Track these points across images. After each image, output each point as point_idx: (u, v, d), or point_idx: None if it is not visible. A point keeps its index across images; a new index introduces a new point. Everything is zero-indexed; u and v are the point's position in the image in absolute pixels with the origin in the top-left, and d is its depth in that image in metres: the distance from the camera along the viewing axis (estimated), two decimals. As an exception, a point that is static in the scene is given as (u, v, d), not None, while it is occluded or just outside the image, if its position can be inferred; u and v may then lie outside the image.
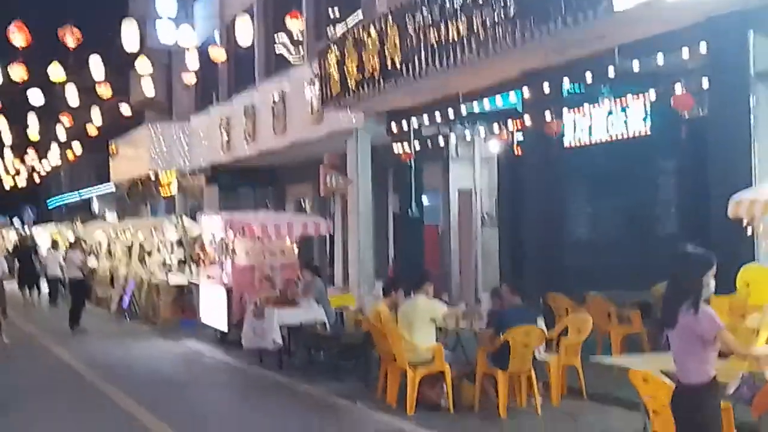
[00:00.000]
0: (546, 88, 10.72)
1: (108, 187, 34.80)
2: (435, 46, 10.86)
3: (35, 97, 20.06)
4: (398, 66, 11.65)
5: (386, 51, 11.83)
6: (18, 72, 16.79)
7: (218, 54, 18.32)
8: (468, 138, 15.74)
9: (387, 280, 8.67)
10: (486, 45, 9.95)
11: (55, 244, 22.10)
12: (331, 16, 16.86)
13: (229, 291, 12.35)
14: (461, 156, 16.53)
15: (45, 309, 20.69)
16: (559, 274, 10.93)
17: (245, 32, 13.72)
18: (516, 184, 14.56)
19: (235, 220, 12.30)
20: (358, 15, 15.17)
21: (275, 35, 20.42)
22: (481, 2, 9.73)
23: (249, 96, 20.79)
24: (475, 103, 12.59)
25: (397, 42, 11.52)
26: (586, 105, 11.89)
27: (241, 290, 12.23)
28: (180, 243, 15.61)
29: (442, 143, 15.51)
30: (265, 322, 10.51)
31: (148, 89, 20.12)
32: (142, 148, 26.49)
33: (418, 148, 14.39)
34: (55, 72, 17.31)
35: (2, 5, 14.98)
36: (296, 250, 12.78)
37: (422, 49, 11.14)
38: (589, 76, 10.14)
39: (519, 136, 12.79)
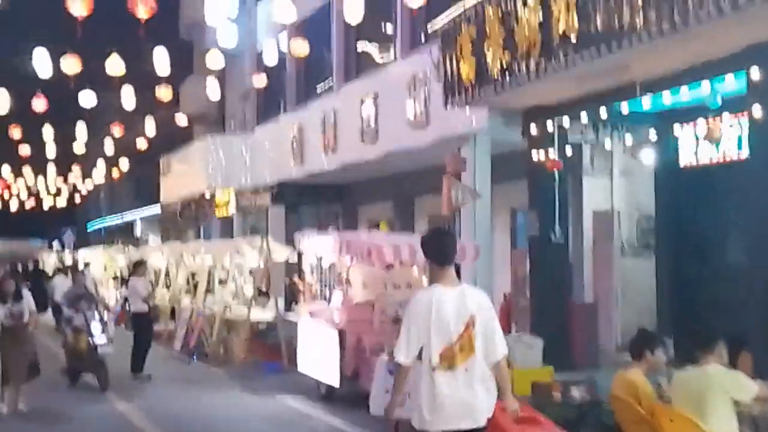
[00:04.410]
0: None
1: (154, 209, 32.35)
2: (625, 9, 8.10)
3: (87, 99, 17.53)
4: (572, 39, 8.85)
5: (553, 19, 9.05)
6: (71, 65, 14.26)
7: (300, 47, 15.69)
8: (609, 146, 12.86)
9: (637, 335, 5.84)
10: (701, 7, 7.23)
11: (66, 270, 21.01)
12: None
13: (341, 333, 9.52)
14: (597, 169, 13.64)
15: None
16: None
17: (355, 8, 11.02)
18: (689, 204, 11.66)
19: (353, 241, 9.49)
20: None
21: (357, 34, 17.98)
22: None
23: (328, 101, 18.16)
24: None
25: (572, 5, 8.73)
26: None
27: (358, 333, 9.40)
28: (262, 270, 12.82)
29: (571, 151, 12.68)
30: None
31: (213, 91, 17.61)
32: (197, 165, 24.01)
33: (557, 155, 11.57)
34: (114, 66, 14.75)
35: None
36: (426, 282, 9.92)
37: (606, 13, 8.37)
38: None
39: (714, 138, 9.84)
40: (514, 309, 13.63)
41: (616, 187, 13.64)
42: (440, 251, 4.68)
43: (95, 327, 11.01)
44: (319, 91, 19.74)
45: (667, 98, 10.03)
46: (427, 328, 4.46)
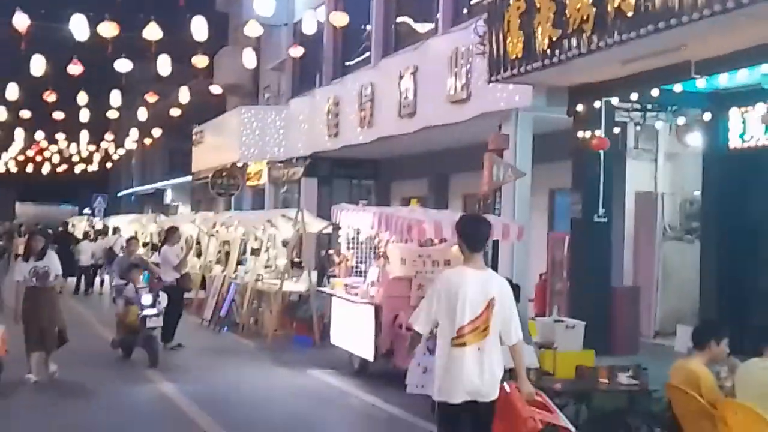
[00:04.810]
0: None
1: (185, 177, 32.33)
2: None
3: (122, 66, 17.45)
4: (627, 14, 8.50)
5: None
6: (108, 29, 14.14)
7: (339, 19, 15.50)
8: (658, 126, 12.54)
9: (703, 324, 5.58)
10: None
11: (93, 234, 22.29)
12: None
13: (377, 308, 9.35)
14: (642, 150, 13.31)
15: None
16: None
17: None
18: (738, 188, 11.31)
19: (393, 216, 9.27)
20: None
21: (398, 7, 17.68)
22: None
23: (366, 75, 17.88)
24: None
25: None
26: None
27: (394, 309, 9.22)
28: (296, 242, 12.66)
29: (616, 131, 12.36)
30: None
31: (249, 61, 17.32)
32: (230, 135, 23.87)
33: (603, 134, 11.25)
34: (151, 33, 14.60)
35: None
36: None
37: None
38: None
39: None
40: (550, 291, 13.41)
41: (661, 169, 13.34)
42: (474, 237, 4.95)
43: (146, 299, 10.66)
44: (353, 63, 19.50)
45: (721, 80, 9.70)
46: (447, 306, 4.76)
